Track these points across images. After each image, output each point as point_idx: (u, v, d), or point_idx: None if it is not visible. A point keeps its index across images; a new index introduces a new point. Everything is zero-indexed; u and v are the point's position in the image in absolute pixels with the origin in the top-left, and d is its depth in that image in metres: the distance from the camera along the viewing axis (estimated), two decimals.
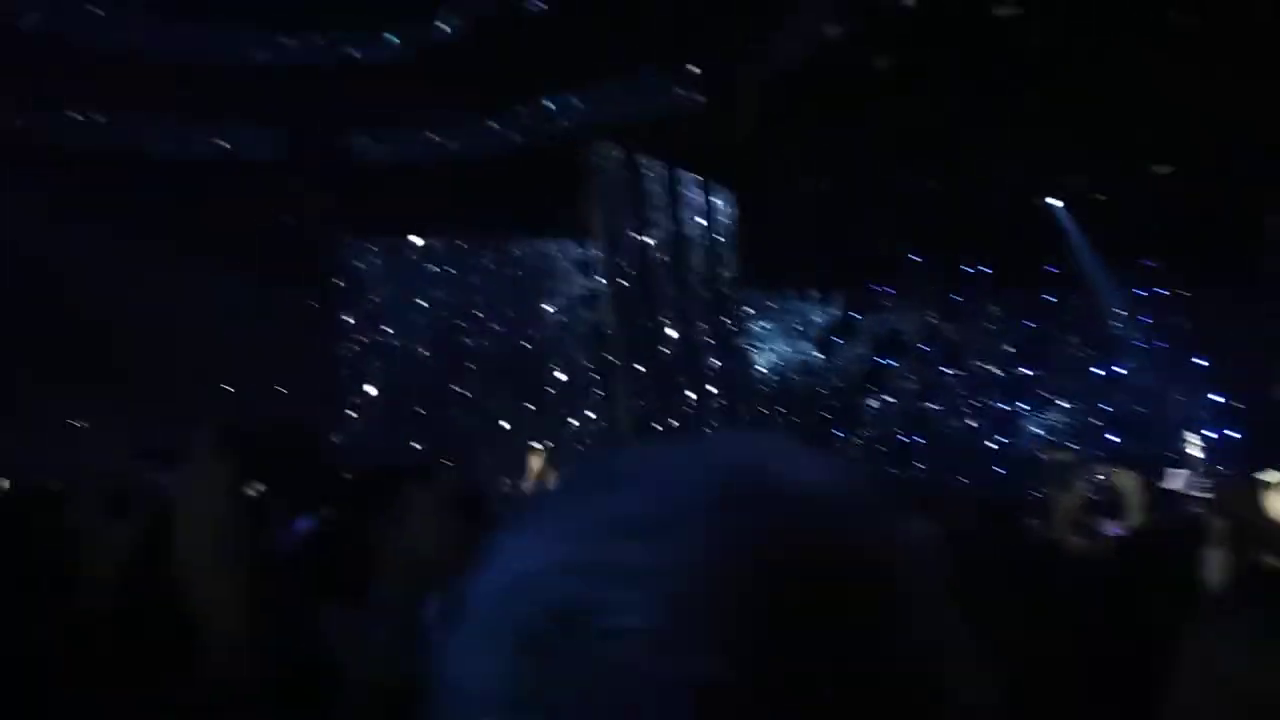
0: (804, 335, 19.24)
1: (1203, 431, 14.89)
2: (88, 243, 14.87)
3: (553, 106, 15.88)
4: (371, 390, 16.58)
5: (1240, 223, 14.58)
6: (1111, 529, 5.87)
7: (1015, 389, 18.73)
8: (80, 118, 15.62)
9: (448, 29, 15.41)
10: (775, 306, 19.05)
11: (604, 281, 16.29)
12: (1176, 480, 12.55)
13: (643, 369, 16.34)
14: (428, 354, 16.77)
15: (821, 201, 15.39)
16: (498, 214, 16.00)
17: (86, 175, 15.29)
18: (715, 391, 17.15)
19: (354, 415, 16.57)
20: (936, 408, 19.03)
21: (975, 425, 18.93)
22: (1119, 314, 17.50)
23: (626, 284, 16.16)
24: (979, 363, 18.87)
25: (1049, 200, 16.06)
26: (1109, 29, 11.43)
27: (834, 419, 18.93)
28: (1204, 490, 10.04)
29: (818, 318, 19.22)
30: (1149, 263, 16.88)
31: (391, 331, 16.78)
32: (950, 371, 18.97)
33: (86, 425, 14.93)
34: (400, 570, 2.71)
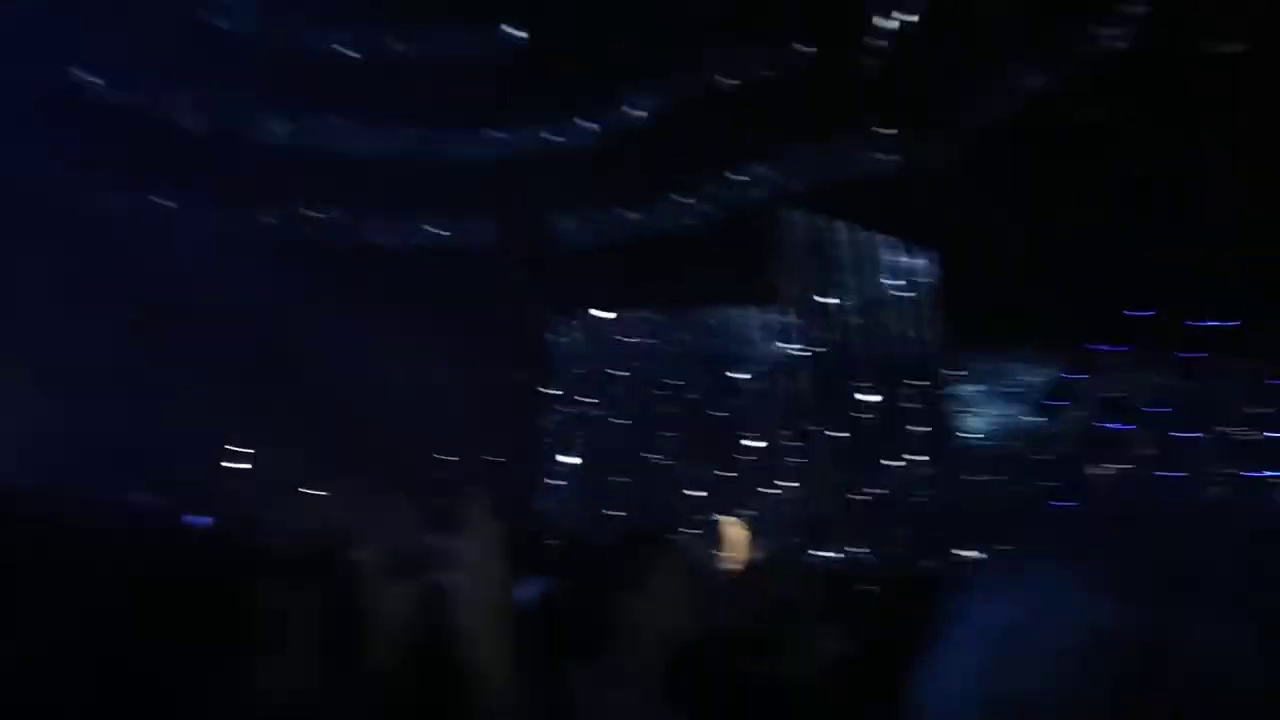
0: (1019, 398, 18.03)
1: None
2: (323, 325, 16.23)
3: (743, 177, 15.94)
4: (573, 460, 16.99)
5: None
6: None
7: (1269, 456, 16.66)
8: (317, 214, 17.23)
9: (641, 112, 15.90)
10: (985, 368, 18.00)
11: (799, 348, 16.01)
12: None
13: (843, 436, 15.83)
14: (625, 423, 17.04)
15: (1030, 257, 14.46)
16: (692, 285, 16.15)
17: (319, 265, 16.77)
18: (922, 459, 16.33)
19: (556, 483, 17.01)
20: (1175, 476, 17.19)
21: (1225, 493, 16.95)
22: None
23: (823, 350, 15.79)
24: (1223, 427, 16.93)
25: None
26: None
27: (1055, 489, 17.50)
28: None
29: (1033, 379, 17.98)
30: None
31: (591, 402, 17.20)
32: (1189, 436, 17.12)
33: (322, 490, 16.08)
34: (640, 636, 2.77)
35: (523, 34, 16.66)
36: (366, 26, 17.32)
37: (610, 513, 16.17)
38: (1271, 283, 14.43)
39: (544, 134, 16.36)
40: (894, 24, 12.67)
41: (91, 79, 15.52)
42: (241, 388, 15.42)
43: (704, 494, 16.32)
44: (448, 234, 17.87)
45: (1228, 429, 16.78)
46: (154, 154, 15.81)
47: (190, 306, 15.58)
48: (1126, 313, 16.22)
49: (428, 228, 17.53)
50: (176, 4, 16.03)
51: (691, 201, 16.25)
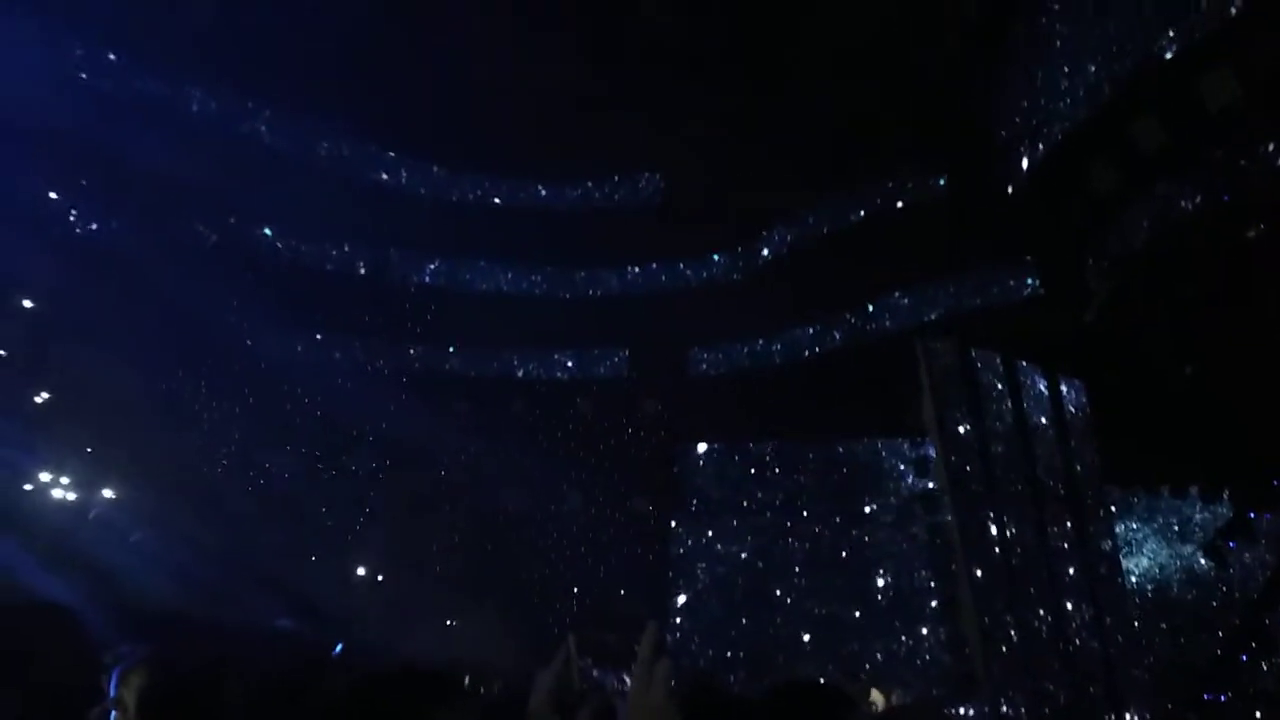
0: (1184, 538, 16.25)
1: None
2: (465, 458, 16.36)
3: (881, 309, 15.42)
4: (696, 592, 16.21)
5: None
6: None
7: None
8: (464, 351, 17.67)
9: (780, 248, 15.78)
10: (1145, 505, 16.38)
11: (939, 481, 14.96)
12: None
13: (988, 575, 14.50)
14: (750, 557, 16.21)
15: (1191, 388, 13.20)
16: (826, 415, 15.54)
17: (473, 397, 17.07)
18: (1076, 603, 14.74)
19: (679, 620, 16.21)
20: None
21: None
22: None
23: (964, 483, 14.69)
24: None
25: None
26: None
27: (1235, 640, 15.44)
28: None
29: (1200, 517, 16.22)
30: None
31: (715, 534, 16.51)
32: None
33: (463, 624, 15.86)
34: None
35: (661, 180, 17.01)
36: (516, 179, 18.09)
37: (734, 653, 15.21)
38: None
39: (682, 270, 16.44)
40: (1036, 153, 12.18)
41: (266, 232, 16.67)
42: (391, 521, 15.62)
43: (831, 637, 15.19)
44: (572, 366, 17.97)
45: None
46: (319, 300, 16.71)
47: (344, 443, 16.09)
48: None
49: (568, 362, 17.68)
50: (353, 168, 17.20)
51: (826, 331, 15.80)
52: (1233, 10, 9.59)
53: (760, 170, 15.00)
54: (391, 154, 17.76)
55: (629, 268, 17.74)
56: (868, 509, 16.11)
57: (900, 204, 14.92)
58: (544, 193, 18.21)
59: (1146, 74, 10.49)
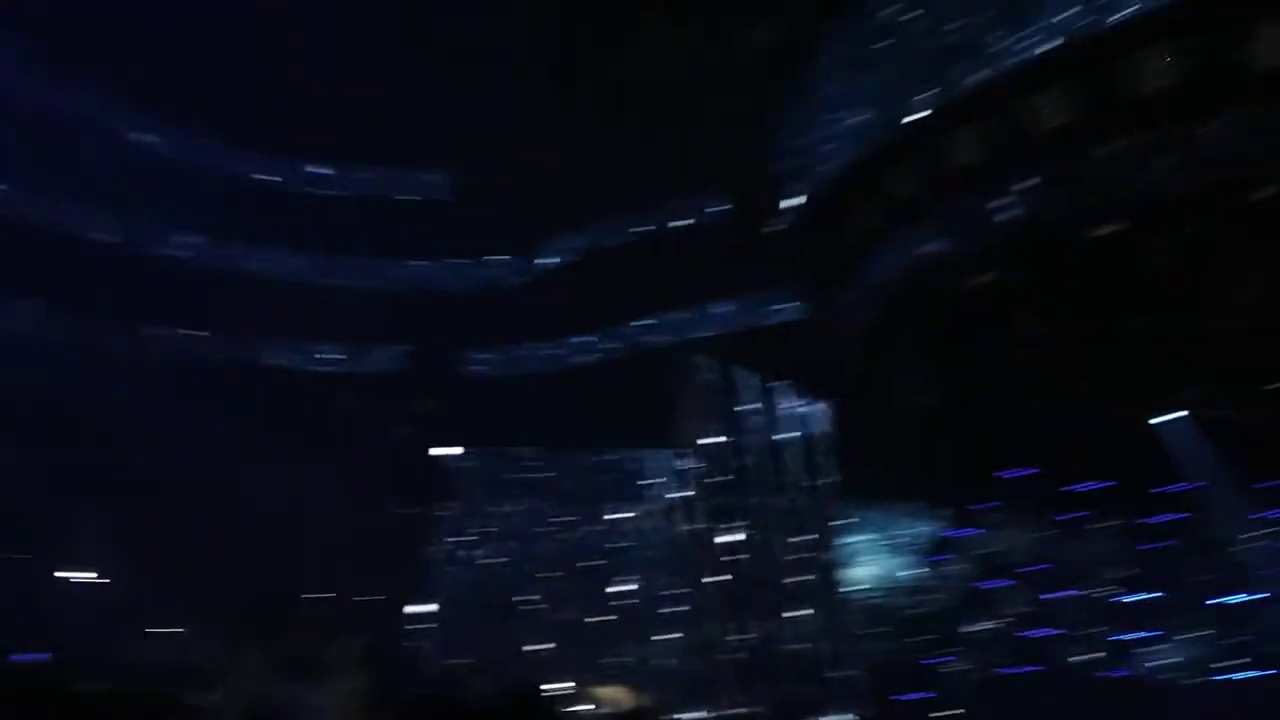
0: (900, 551, 17.82)
1: None
2: (215, 445, 14.95)
3: (652, 324, 15.82)
4: (446, 597, 15.77)
5: None
6: None
7: (1129, 616, 16.75)
8: (223, 337, 16.19)
9: (557, 258, 15.79)
10: (874, 521, 17.81)
11: (693, 491, 15.53)
12: None
13: (729, 583, 15.18)
14: (505, 560, 16.03)
15: (924, 417, 14.56)
16: (593, 423, 15.67)
17: (222, 385, 15.63)
18: (808, 609, 15.75)
19: (428, 624, 15.68)
20: (1047, 634, 17.08)
21: (1091, 655, 16.83)
22: (1245, 538, 15.70)
23: (716, 493, 15.34)
24: (1091, 587, 17.04)
25: (1164, 418, 14.89)
26: (1214, 247, 10.82)
27: (934, 642, 17.11)
28: None
29: (919, 534, 17.85)
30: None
31: (475, 538, 16.19)
32: (1060, 595, 17.13)
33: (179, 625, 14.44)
34: None
35: (450, 179, 16.55)
36: (294, 158, 16.93)
37: (477, 659, 14.86)
38: (1139, 451, 14.88)
39: (465, 269, 16.05)
40: (803, 195, 13.02)
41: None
42: (98, 511, 13.90)
43: (575, 642, 15.27)
44: (343, 358, 17.04)
45: (1098, 589, 16.89)
46: (54, 270, 14.77)
47: (55, 426, 14.18)
48: (1005, 474, 16.43)
49: (327, 354, 16.69)
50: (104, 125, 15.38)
51: (597, 342, 15.99)
52: (974, 80, 10.78)
53: (551, 179, 14.98)
54: (147, 115, 16.08)
55: (410, 262, 17.09)
56: (624, 516, 16.39)
57: (679, 225, 15.43)
58: (324, 177, 17.19)
59: (901, 129, 11.54)
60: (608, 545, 16.30)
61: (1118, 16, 9.44)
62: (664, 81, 13.78)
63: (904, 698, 16.38)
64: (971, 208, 11.29)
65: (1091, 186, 10.36)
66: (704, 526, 15.44)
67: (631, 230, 15.35)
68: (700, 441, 15.70)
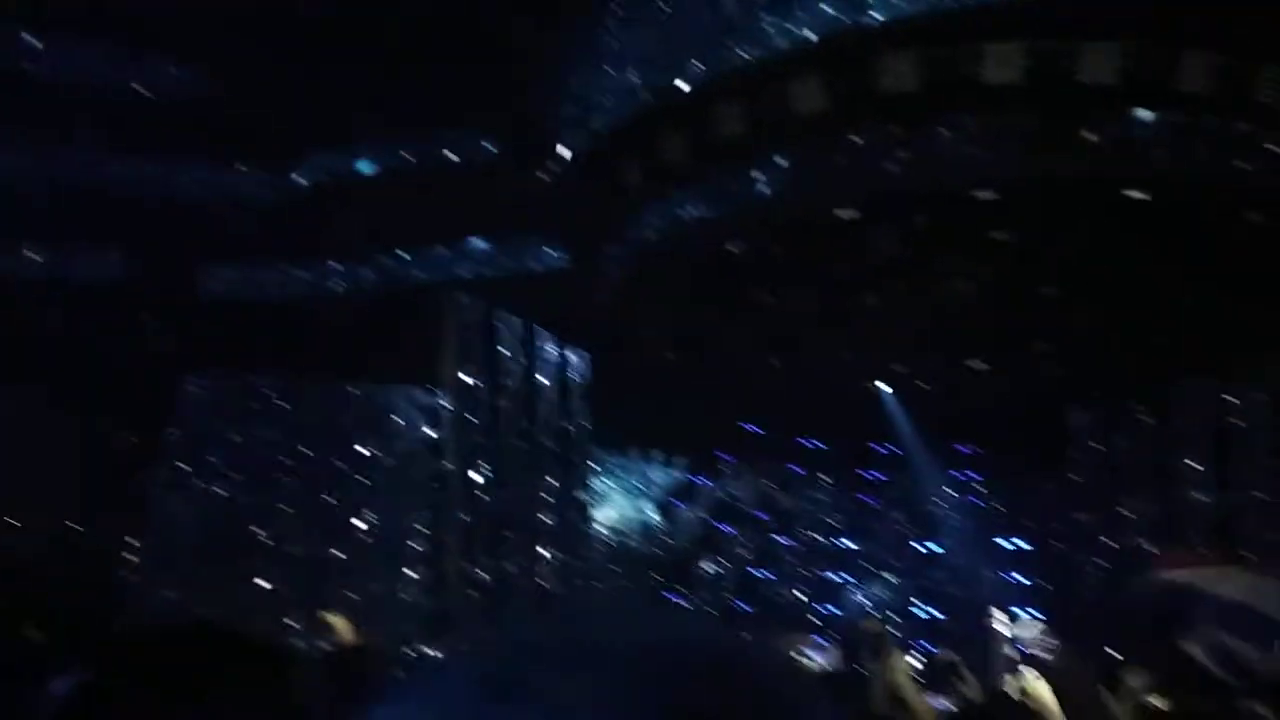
0: (645, 495, 18.67)
1: (1010, 610, 15.03)
2: None
3: (414, 257, 15.29)
4: (166, 531, 14.67)
5: (1049, 415, 15.29)
6: (937, 703, 5.46)
7: (842, 560, 18.65)
8: None
9: (315, 177, 14.78)
10: (619, 466, 18.48)
11: (445, 431, 15.32)
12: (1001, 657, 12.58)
13: (475, 522, 15.23)
14: (238, 494, 15.11)
15: (672, 371, 15.19)
16: (343, 355, 14.98)
17: None
18: (552, 548, 16.14)
19: (146, 560, 14.57)
20: (768, 575, 18.66)
21: (803, 593, 18.60)
22: (939, 494, 17.83)
23: (469, 435, 15.24)
24: (810, 533, 18.75)
25: (880, 385, 16.44)
26: (937, 239, 11.96)
27: (668, 581, 18.21)
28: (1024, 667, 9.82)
29: (660, 479, 18.75)
30: (967, 449, 17.44)
31: (196, 471, 15.10)
32: (783, 540, 18.74)
33: None
34: None
35: (199, 74, 14.92)
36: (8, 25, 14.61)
37: (193, 595, 14.01)
38: (859, 414, 16.40)
39: (209, 177, 14.62)
40: (575, 146, 12.96)
41: None
42: None
43: (310, 578, 14.76)
44: (64, 267, 15.20)
45: (816, 535, 18.65)
46: None
47: None
48: (745, 425, 17.59)
49: (40, 258, 14.78)
50: None
51: (351, 270, 15.25)
52: (746, 55, 11.14)
53: (316, 89, 13.91)
54: None
55: (141, 161, 15.34)
56: (370, 453, 15.88)
57: (448, 160, 14.88)
58: (40, 51, 14.97)
59: (671, 95, 11.77)
60: (351, 480, 15.74)
61: (870, 20, 10.03)
62: (448, 10, 13.11)
63: None
64: (730, 180, 11.73)
65: (837, 172, 11.06)
66: (453, 465, 15.30)
67: (396, 158, 14.62)
68: (455, 381, 15.45)
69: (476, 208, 13.34)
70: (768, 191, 11.58)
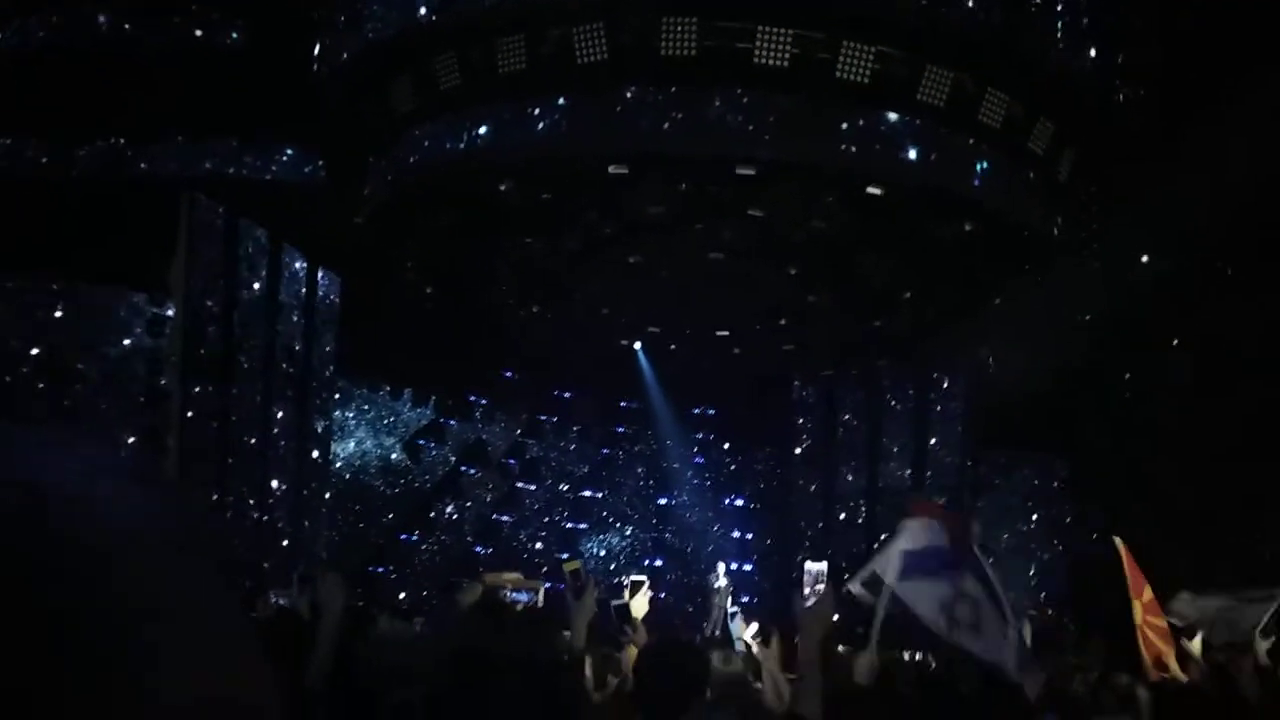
0: (390, 432, 18.37)
1: (731, 564, 16.35)
2: None
3: (149, 148, 14.02)
4: None
5: (780, 385, 16.65)
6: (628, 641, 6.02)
7: (582, 509, 19.35)
8: None
9: (30, 43, 13.12)
10: (364, 398, 18.03)
11: (170, 343, 14.31)
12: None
13: (199, 442, 14.40)
14: None
15: (428, 305, 15.03)
16: (54, 248, 13.53)
17: None
18: (281, 479, 15.58)
19: None
20: (508, 519, 19.04)
21: (542, 539, 19.12)
22: (678, 452, 18.92)
23: (196, 349, 14.29)
24: (554, 482, 19.30)
25: (634, 344, 17.15)
26: (698, 206, 12.63)
27: (408, 521, 18.15)
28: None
29: (406, 415, 18.51)
30: (705, 410, 18.62)
31: None
32: (527, 486, 19.16)
33: None
34: None
35: None
36: None
37: None
38: (610, 369, 17.04)
39: None
40: (345, 53, 12.38)
41: None
42: None
43: None
44: None
45: (561, 484, 19.21)
46: None
47: None
48: (498, 372, 17.76)
49: None
50: None
51: (66, 152, 13.75)
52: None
53: None
54: None
55: None
56: (80, 366, 14.51)
57: (193, 38, 13.66)
58: None
59: (452, 14, 11.51)
60: (50, 389, 14.33)
61: None
62: None
63: (372, 570, 17.17)
64: (506, 117, 11.73)
65: (611, 125, 11.37)
66: (178, 382, 14.33)
67: (128, 32, 13.26)
68: (183, 289, 14.41)
69: (222, 100, 12.43)
70: (542, 134, 11.70)
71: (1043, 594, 16.79)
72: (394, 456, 18.17)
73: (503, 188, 12.41)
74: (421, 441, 18.35)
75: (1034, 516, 17.23)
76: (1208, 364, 14.39)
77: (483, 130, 12.01)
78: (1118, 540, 7.35)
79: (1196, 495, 13.57)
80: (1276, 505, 12.53)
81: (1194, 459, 13.98)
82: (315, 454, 16.22)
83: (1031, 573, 16.88)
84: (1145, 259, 13.75)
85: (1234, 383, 14.12)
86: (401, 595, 16.83)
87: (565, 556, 17.33)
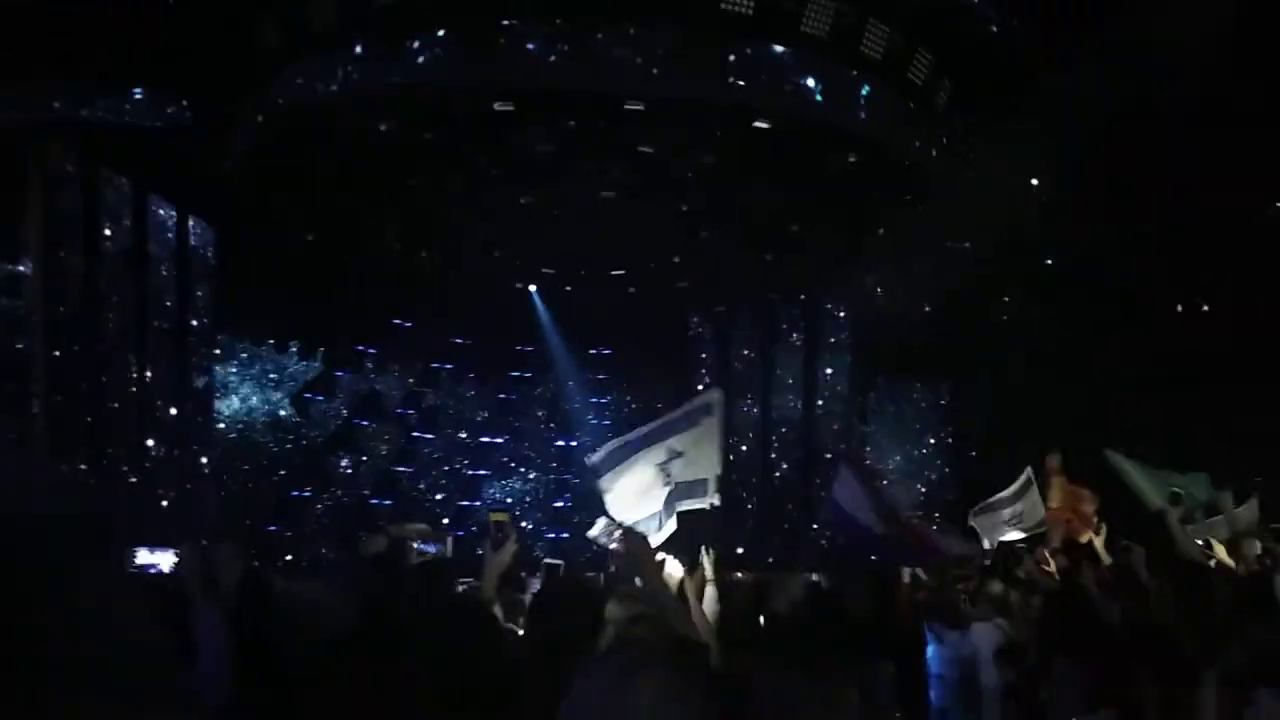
0: (276, 386, 17.80)
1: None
2: None
3: None
4: None
5: (676, 323, 16.83)
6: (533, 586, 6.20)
7: (483, 456, 19.28)
8: None
9: None
10: (248, 353, 17.39)
11: (28, 300, 13.48)
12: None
13: (67, 403, 13.69)
14: None
15: (311, 252, 14.52)
16: None
17: None
18: (163, 439, 14.99)
19: None
20: (408, 470, 18.83)
21: (443, 488, 19.01)
22: (576, 394, 18.98)
23: (58, 306, 13.51)
24: (453, 430, 19.13)
25: (528, 287, 16.99)
26: (587, 143, 12.48)
27: (300, 477, 17.73)
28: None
29: (294, 369, 17.95)
30: (602, 351, 18.67)
31: None
32: (425, 436, 18.94)
33: None
34: None
35: None
36: None
37: None
38: (506, 314, 16.87)
39: None
40: None
41: None
42: None
43: None
44: None
45: (459, 433, 19.04)
46: None
47: None
48: (390, 321, 17.36)
49: None
50: None
51: None
52: None
53: None
54: None
55: None
56: None
57: None
58: None
59: None
60: None
61: None
62: None
63: (267, 528, 16.77)
64: (382, 53, 11.29)
65: (494, 59, 11.07)
66: (40, 343, 13.55)
67: None
68: (46, 245, 13.57)
69: (70, 38, 11.55)
70: (422, 70, 11.32)
71: (935, 513, 17.68)
72: (282, 412, 17.64)
73: (383, 128, 12.01)
74: (311, 395, 17.87)
75: (923, 439, 18.04)
76: (1079, 285, 15.23)
77: (358, 67, 11.54)
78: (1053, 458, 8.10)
79: (1069, 409, 14.46)
80: (1130, 413, 13.45)
81: (1067, 375, 14.87)
82: (196, 412, 15.65)
83: (922, 490, 17.74)
84: (1019, 186, 14.33)
85: (1104, 303, 15.02)
86: (297, 554, 16.55)
87: (475, 505, 17.32)
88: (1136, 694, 3.97)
